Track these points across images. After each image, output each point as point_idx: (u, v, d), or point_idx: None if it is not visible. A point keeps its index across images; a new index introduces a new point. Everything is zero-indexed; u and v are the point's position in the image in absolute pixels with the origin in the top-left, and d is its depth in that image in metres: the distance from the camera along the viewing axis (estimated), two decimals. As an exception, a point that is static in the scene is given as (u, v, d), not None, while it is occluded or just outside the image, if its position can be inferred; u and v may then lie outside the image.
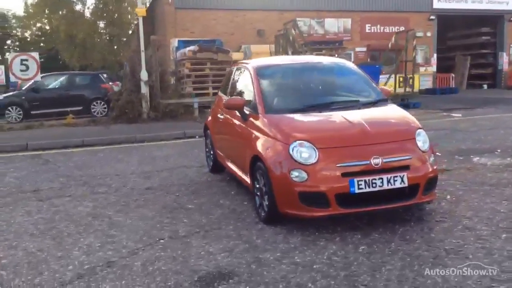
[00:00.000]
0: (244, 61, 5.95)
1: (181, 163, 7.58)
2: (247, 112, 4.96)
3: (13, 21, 50.14)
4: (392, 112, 4.81)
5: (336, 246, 3.88)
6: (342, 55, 16.70)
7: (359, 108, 4.78)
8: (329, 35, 27.99)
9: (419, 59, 28.40)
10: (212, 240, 4.13)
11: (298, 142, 4.15)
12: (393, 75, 16.97)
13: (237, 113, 5.14)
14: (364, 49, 27.35)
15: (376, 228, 4.21)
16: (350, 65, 5.61)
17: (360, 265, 3.51)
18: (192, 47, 14.19)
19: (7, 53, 47.42)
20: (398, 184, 4.08)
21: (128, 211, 5.11)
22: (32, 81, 15.51)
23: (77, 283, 3.40)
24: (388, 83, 16.53)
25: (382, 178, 4.03)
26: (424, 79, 25.47)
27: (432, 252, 3.68)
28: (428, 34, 27.29)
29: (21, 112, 16.11)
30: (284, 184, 4.11)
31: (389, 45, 17.30)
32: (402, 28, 19.87)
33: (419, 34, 26.92)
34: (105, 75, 18.24)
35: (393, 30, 22.50)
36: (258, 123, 4.69)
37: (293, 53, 14.42)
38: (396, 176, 4.07)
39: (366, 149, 4.12)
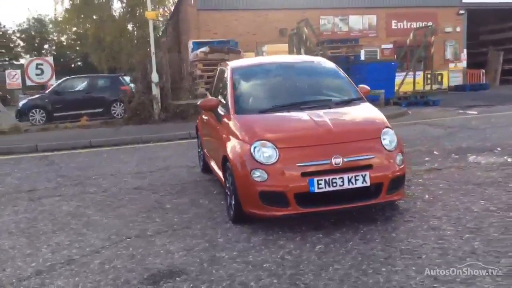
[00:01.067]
0: (228, 61, 6.00)
1: (178, 163, 7.70)
2: (222, 113, 5.02)
3: (50, 26, 51.90)
4: (362, 111, 4.77)
5: (293, 245, 3.88)
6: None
7: (329, 108, 4.76)
8: (353, 33, 27.72)
9: (448, 55, 27.84)
10: (176, 239, 4.20)
11: (260, 142, 4.18)
12: (411, 72, 16.68)
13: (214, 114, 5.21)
14: (390, 46, 26.96)
15: (340, 228, 4.19)
16: (328, 64, 5.57)
17: (309, 264, 3.51)
18: (203, 48, 14.35)
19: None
20: (360, 184, 4.05)
21: (109, 210, 5.25)
22: (55, 84, 16.08)
23: (33, 279, 3.54)
24: (405, 80, 16.29)
25: (342, 178, 4.01)
26: (453, 76, 24.79)
27: (387, 252, 3.64)
28: (458, 29, 26.66)
29: (44, 115, 16.66)
30: (246, 184, 4.14)
31: (407, 42, 16.98)
32: (430, 24, 19.43)
33: (448, 29, 26.38)
34: (126, 78, 18.66)
35: (421, 26, 22.02)
36: (229, 123, 4.74)
37: (305, 52, 14.38)
38: (358, 176, 4.04)
39: (327, 149, 4.11)
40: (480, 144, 7.72)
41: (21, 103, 18.57)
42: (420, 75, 17.01)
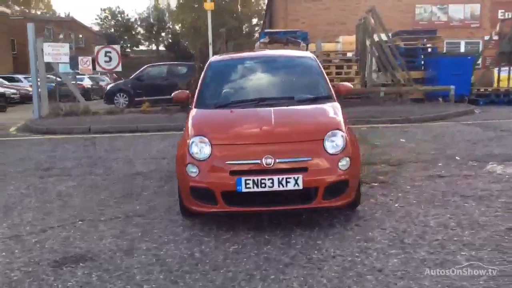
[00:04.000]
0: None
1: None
2: (190, 106, 5.07)
3: (166, 15, 55.30)
4: (318, 111, 4.54)
5: (214, 243, 3.87)
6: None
7: (289, 105, 4.60)
8: (453, 22, 26.05)
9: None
10: (120, 226, 4.36)
11: (197, 137, 4.18)
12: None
13: (190, 107, 5.28)
14: (495, 37, 24.78)
15: (274, 230, 4.08)
16: (309, 60, 5.33)
17: (209, 263, 3.48)
18: (263, 39, 14.34)
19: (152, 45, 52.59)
20: (291, 186, 3.89)
21: (92, 193, 5.55)
22: (138, 71, 17.21)
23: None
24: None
25: (272, 179, 3.88)
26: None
27: (295, 259, 3.49)
28: None
29: (127, 99, 17.93)
30: (182, 179, 4.18)
31: (492, 34, 15.49)
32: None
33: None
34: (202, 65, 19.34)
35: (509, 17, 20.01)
36: (188, 117, 4.79)
37: (370, 45, 13.77)
38: (290, 178, 3.88)
39: (260, 148, 3.99)
40: (515, 152, 6.93)
41: (108, 87, 20.16)
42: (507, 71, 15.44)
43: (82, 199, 5.32)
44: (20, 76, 28.28)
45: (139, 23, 62.23)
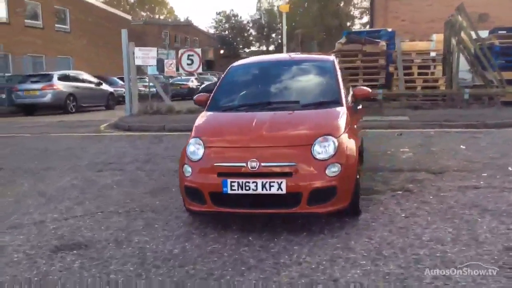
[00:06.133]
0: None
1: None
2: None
3: (277, 16, 56.92)
4: (317, 116, 4.49)
5: (197, 241, 4.03)
6: None
7: (293, 110, 4.62)
8: None
9: None
10: (129, 218, 4.71)
11: (195, 139, 4.39)
12: None
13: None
14: None
15: (262, 233, 4.14)
16: (325, 64, 5.23)
17: (182, 260, 3.63)
18: (341, 39, 14.07)
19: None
20: (274, 190, 3.93)
21: (129, 186, 6.00)
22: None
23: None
24: None
25: (256, 182, 3.95)
26: None
27: (260, 261, 3.54)
28: None
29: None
30: (180, 178, 4.41)
31: None
32: None
33: None
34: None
35: None
36: (200, 119, 5.00)
37: (456, 44, 12.88)
38: (273, 182, 3.93)
39: (248, 151, 4.08)
40: None
41: (200, 87, 21.19)
42: None
43: (117, 193, 5.79)
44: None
45: (251, 25, 64.21)
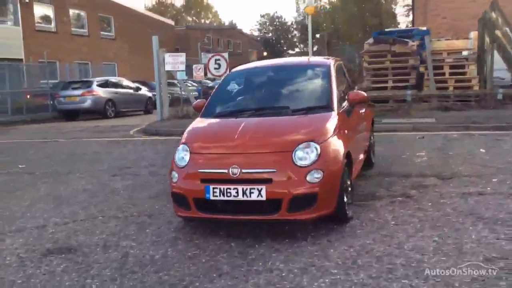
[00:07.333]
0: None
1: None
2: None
3: (321, 17, 56.76)
4: (303, 122, 4.46)
5: (181, 247, 4.09)
6: None
7: (283, 115, 4.63)
8: None
9: None
10: (125, 223, 4.84)
11: (183, 146, 4.47)
12: None
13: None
14: None
15: (246, 239, 4.15)
16: (321, 68, 5.15)
17: (162, 265, 3.73)
18: (369, 40, 13.80)
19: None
20: (255, 197, 3.95)
21: (136, 191, 6.15)
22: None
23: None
24: None
25: (237, 189, 3.98)
26: None
27: (234, 268, 3.56)
28: None
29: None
30: (169, 184, 4.50)
31: None
32: None
33: None
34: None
35: None
36: (195, 125, 5.06)
37: (491, 42, 12.36)
38: (253, 189, 3.94)
39: (230, 158, 4.12)
40: None
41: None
42: None
43: (123, 197, 5.95)
44: (176, 81, 31.33)
45: (295, 26, 64.17)
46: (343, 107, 4.89)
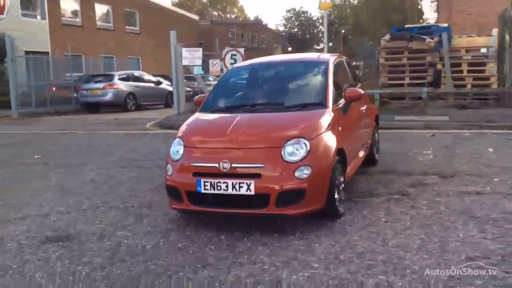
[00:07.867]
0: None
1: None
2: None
3: (348, 11, 56.37)
4: (295, 118, 4.52)
5: (172, 238, 4.20)
6: None
7: (277, 112, 4.68)
8: None
9: None
10: (124, 214, 4.98)
11: (178, 139, 4.58)
12: None
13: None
14: None
15: (235, 232, 4.23)
16: (318, 65, 5.17)
17: (145, 253, 3.86)
18: (386, 36, 13.65)
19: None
20: (243, 191, 4.03)
21: (140, 183, 6.30)
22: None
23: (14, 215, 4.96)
24: None
25: (227, 183, 4.07)
26: None
27: (218, 260, 3.64)
28: None
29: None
30: (165, 177, 4.61)
31: None
32: None
33: None
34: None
35: None
36: (193, 120, 5.16)
37: (510, 40, 12.10)
38: (242, 183, 4.02)
39: (221, 152, 4.21)
40: None
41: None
42: None
43: (127, 188, 6.10)
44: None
45: (321, 21, 64.00)
46: (339, 104, 4.92)
